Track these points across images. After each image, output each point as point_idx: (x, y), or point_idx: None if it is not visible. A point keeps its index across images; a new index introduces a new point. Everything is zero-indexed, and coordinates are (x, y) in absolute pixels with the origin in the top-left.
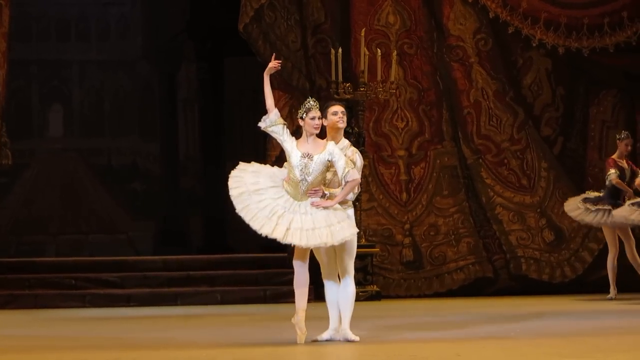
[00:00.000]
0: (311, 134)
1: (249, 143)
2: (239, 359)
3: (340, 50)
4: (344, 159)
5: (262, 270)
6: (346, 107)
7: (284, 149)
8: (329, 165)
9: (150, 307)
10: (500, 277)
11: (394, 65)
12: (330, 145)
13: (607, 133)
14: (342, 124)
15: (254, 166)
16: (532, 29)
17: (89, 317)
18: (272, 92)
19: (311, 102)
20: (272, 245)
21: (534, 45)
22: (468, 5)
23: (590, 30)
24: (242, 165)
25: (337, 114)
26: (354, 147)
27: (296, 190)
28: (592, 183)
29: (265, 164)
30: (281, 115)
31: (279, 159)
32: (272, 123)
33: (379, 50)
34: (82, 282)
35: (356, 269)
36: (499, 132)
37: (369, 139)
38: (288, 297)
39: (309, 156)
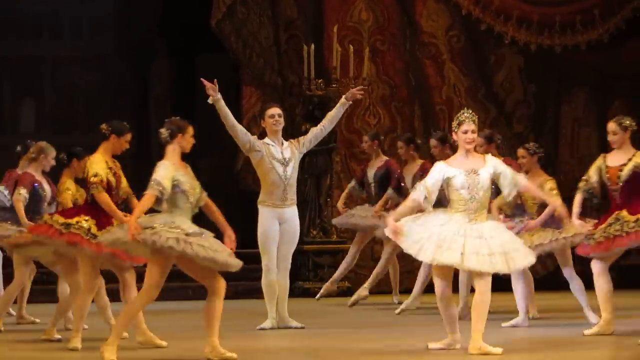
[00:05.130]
0: (467, 150)
1: (220, 140)
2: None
3: (312, 46)
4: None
5: None
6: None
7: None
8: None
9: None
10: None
11: (366, 62)
12: (488, 157)
13: (578, 130)
14: (277, 127)
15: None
16: (504, 26)
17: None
18: (244, 88)
19: (465, 114)
20: (243, 241)
21: (506, 42)
22: (440, 2)
23: (563, 28)
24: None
25: (273, 117)
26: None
27: (465, 213)
28: (563, 180)
29: (236, 163)
30: (252, 113)
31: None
32: (424, 195)
33: (351, 47)
34: (55, 277)
35: (328, 266)
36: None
37: (340, 136)
38: (260, 292)
39: (474, 172)
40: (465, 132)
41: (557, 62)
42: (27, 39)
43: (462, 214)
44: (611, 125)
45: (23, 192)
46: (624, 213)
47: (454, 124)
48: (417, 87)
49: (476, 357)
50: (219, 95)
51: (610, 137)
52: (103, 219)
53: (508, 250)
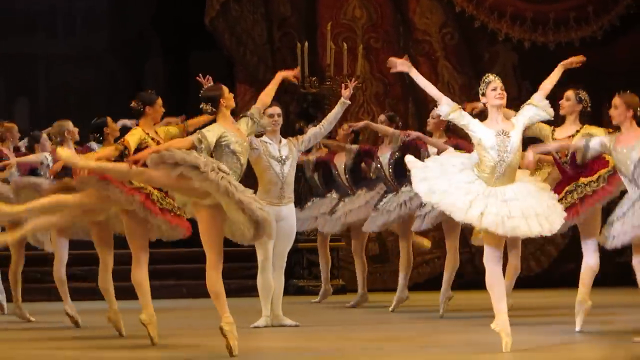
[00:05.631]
0: (497, 108)
1: None
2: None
3: (306, 44)
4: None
5: (226, 264)
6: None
7: (471, 133)
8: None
9: (117, 300)
10: (466, 271)
11: (360, 59)
12: (514, 119)
13: None
14: (276, 126)
15: (437, 160)
16: (498, 23)
17: (54, 310)
18: (238, 86)
19: (491, 76)
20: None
21: (500, 39)
22: None
23: (556, 25)
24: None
25: (272, 117)
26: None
27: (492, 175)
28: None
29: None
30: (247, 110)
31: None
32: (448, 112)
33: (345, 44)
34: (48, 276)
35: None
36: None
37: (335, 133)
38: (252, 290)
39: (505, 133)
40: (495, 89)
41: (551, 59)
42: (21, 37)
43: (489, 175)
44: (569, 93)
45: None
46: (582, 179)
47: (481, 87)
48: (411, 85)
49: (475, 356)
50: None
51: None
52: None
53: (529, 214)
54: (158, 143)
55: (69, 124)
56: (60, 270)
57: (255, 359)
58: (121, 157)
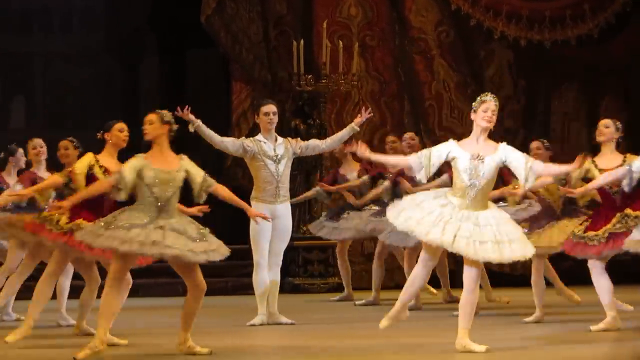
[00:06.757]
0: (482, 129)
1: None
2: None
3: (302, 42)
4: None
5: (224, 262)
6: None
7: (449, 156)
8: (502, 169)
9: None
10: (461, 269)
11: (355, 57)
12: (502, 146)
13: (568, 125)
14: (271, 125)
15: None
16: (494, 21)
17: (50, 309)
18: (234, 84)
19: (490, 95)
20: (234, 237)
21: (496, 37)
22: None
23: (552, 23)
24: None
25: (268, 115)
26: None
27: (463, 199)
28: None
29: (226, 159)
30: (242, 109)
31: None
32: (424, 173)
33: (340, 42)
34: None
35: (318, 261)
36: (461, 124)
37: (330, 131)
38: (250, 288)
39: (480, 158)
40: (486, 111)
41: (547, 57)
42: (18, 36)
43: (460, 199)
44: (607, 122)
45: None
46: (628, 211)
47: (475, 103)
48: (407, 83)
49: (475, 356)
50: (198, 121)
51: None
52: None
53: (501, 240)
54: (106, 172)
55: (21, 151)
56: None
57: (251, 356)
58: (67, 185)
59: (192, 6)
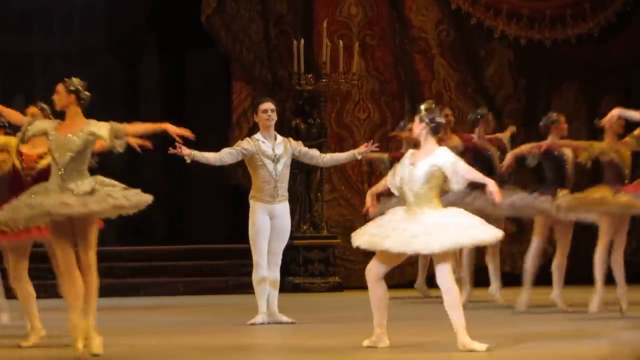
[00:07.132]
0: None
1: (210, 134)
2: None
3: (302, 41)
4: (456, 163)
5: (224, 261)
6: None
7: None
8: (438, 175)
9: (113, 297)
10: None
11: (356, 57)
12: (440, 150)
13: (569, 124)
14: (270, 122)
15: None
16: (494, 20)
17: (51, 307)
18: (234, 83)
19: (433, 107)
20: (234, 236)
21: (496, 36)
22: None
23: (553, 22)
24: None
25: (266, 112)
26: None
27: (403, 201)
28: None
29: None
30: (242, 108)
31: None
32: (396, 185)
33: (341, 42)
34: (44, 273)
35: (319, 260)
36: (461, 123)
37: (331, 130)
38: (250, 287)
39: (413, 164)
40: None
41: (548, 56)
42: (18, 35)
43: (404, 202)
44: None
45: None
46: None
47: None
48: (407, 82)
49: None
50: (191, 152)
51: None
52: None
53: (431, 231)
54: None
55: None
56: None
57: (251, 355)
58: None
59: (192, 5)
